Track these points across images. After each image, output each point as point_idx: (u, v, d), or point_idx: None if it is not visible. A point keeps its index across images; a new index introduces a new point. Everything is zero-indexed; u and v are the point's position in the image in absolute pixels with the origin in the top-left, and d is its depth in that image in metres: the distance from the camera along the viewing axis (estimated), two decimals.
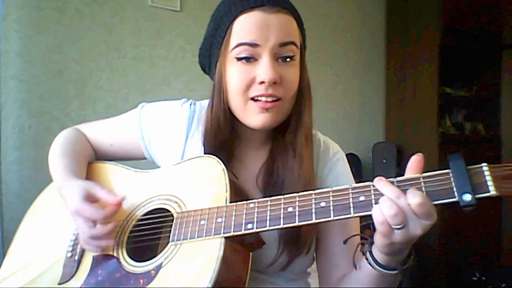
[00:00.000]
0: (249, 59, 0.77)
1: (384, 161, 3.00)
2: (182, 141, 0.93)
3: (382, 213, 0.61)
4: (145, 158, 0.99)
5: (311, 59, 3.06)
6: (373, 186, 0.64)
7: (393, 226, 0.61)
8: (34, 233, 0.96)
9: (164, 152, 0.95)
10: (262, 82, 0.77)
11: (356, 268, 0.76)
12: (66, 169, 0.90)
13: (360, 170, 3.05)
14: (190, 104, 0.96)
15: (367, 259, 0.71)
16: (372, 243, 0.70)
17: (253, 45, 0.76)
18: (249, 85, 0.78)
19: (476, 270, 2.98)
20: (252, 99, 0.79)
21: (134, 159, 1.02)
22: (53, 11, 2.00)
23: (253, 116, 0.80)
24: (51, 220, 0.95)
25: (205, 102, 0.95)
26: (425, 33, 2.99)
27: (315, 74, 2.98)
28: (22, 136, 1.91)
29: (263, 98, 0.78)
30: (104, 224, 0.78)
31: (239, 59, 0.77)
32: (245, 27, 0.76)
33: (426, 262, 2.86)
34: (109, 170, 0.97)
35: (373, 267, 0.70)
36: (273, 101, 0.78)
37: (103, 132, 1.03)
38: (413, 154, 0.65)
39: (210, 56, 0.84)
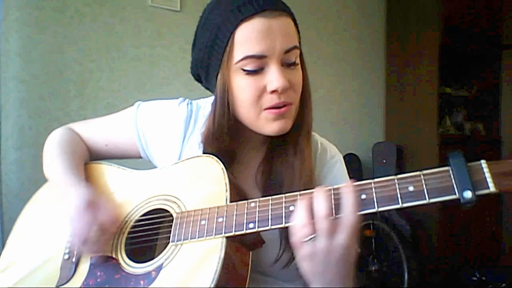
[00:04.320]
0: (257, 70, 0.75)
1: (384, 161, 3.00)
2: (179, 142, 0.92)
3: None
4: (141, 157, 0.99)
5: (311, 59, 3.05)
6: (373, 183, 0.64)
7: (302, 239, 0.63)
8: (31, 227, 0.95)
9: (161, 152, 0.94)
10: (274, 91, 0.75)
11: None
12: (68, 171, 0.88)
13: (360, 170, 3.05)
14: (187, 104, 0.95)
15: None
16: None
17: (260, 57, 0.74)
18: (260, 95, 0.76)
19: (476, 270, 2.98)
20: (265, 109, 0.77)
21: (130, 158, 1.00)
22: (53, 11, 2.00)
23: (268, 125, 0.78)
24: (49, 215, 0.94)
25: (202, 102, 0.95)
26: (425, 33, 2.99)
27: (315, 74, 2.99)
28: (22, 136, 1.91)
29: (277, 106, 0.77)
30: (96, 241, 0.77)
31: (247, 71, 0.75)
32: (250, 37, 0.73)
33: (426, 262, 2.86)
34: (106, 171, 0.96)
35: None
36: (286, 106, 0.77)
37: (98, 131, 1.01)
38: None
39: (208, 67, 0.81)
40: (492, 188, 0.57)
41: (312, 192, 0.67)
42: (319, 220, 0.62)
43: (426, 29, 2.98)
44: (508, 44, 3.28)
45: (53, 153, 0.94)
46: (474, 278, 2.96)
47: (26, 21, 1.93)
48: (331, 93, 3.06)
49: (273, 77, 0.74)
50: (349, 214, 0.62)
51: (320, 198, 0.64)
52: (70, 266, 0.82)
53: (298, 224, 0.63)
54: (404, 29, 3.17)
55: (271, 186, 0.82)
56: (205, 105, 0.94)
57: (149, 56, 2.27)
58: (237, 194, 0.76)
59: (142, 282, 0.72)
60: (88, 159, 1.00)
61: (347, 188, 0.64)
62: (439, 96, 2.96)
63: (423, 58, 3.01)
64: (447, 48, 2.93)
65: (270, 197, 0.70)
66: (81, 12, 2.08)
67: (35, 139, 1.92)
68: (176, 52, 2.33)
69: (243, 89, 0.76)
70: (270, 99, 0.76)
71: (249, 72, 0.75)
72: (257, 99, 0.76)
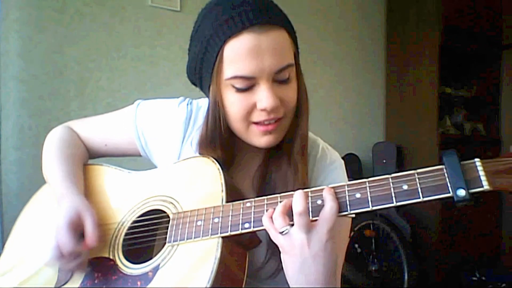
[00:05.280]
0: (247, 88, 0.74)
1: (384, 161, 3.00)
2: (179, 142, 0.92)
3: (269, 216, 0.67)
4: (141, 155, 0.98)
5: (311, 59, 3.05)
6: (368, 183, 0.65)
7: (278, 230, 0.65)
8: (29, 230, 0.96)
9: (161, 152, 0.94)
10: (263, 109, 0.75)
11: None
12: (66, 178, 0.88)
13: (360, 170, 3.05)
14: (187, 104, 0.94)
15: None
16: None
17: (250, 78, 0.73)
18: (250, 111, 0.76)
19: (476, 270, 2.98)
20: (254, 123, 0.77)
21: (129, 156, 1.00)
22: (53, 11, 2.00)
23: (257, 138, 0.79)
24: (47, 217, 0.94)
25: (202, 101, 0.94)
26: (425, 33, 2.99)
27: (315, 74, 2.99)
28: (22, 136, 1.91)
29: (266, 122, 0.76)
30: (71, 259, 0.77)
31: (236, 89, 0.74)
32: (238, 56, 0.71)
33: (426, 262, 2.86)
34: (103, 172, 0.96)
35: None
36: (275, 121, 0.77)
37: (97, 131, 1.01)
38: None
39: (201, 78, 0.80)
40: (486, 186, 0.57)
41: (307, 192, 0.67)
42: (295, 215, 0.65)
43: (426, 29, 2.98)
44: (508, 44, 3.28)
45: (51, 155, 0.94)
46: (474, 278, 2.96)
47: (26, 21, 1.93)
48: (331, 93, 3.06)
49: (263, 96, 0.73)
50: (329, 209, 0.64)
51: (297, 197, 0.66)
52: None
53: (274, 215, 0.66)
54: (404, 29, 3.17)
55: (266, 191, 0.82)
56: (205, 105, 0.93)
57: (149, 56, 2.28)
58: (234, 194, 0.76)
59: (139, 283, 0.72)
60: (87, 159, 1.00)
61: (326, 189, 0.66)
62: (439, 96, 2.95)
63: (423, 58, 3.01)
64: (447, 48, 2.93)
65: (265, 197, 0.70)
66: (81, 12, 2.08)
67: (35, 139, 1.93)
68: (176, 52, 2.33)
69: (233, 104, 0.76)
70: (259, 115, 0.76)
71: (239, 90, 0.74)
72: (247, 114, 0.76)
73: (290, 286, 0.68)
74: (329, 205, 0.64)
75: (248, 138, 0.80)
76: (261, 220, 0.68)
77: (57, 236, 0.77)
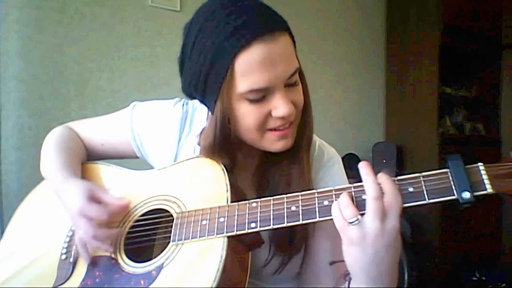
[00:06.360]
0: (261, 98, 0.73)
1: (384, 161, 3.00)
2: (175, 143, 0.92)
3: (338, 206, 0.64)
4: (138, 157, 0.98)
5: (311, 59, 3.04)
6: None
7: (347, 220, 0.62)
8: (29, 221, 0.95)
9: (157, 153, 0.94)
10: (281, 117, 0.74)
11: None
12: (64, 167, 0.88)
13: None
14: (183, 105, 0.94)
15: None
16: None
17: (265, 89, 0.71)
18: (266, 120, 0.75)
19: (476, 270, 2.98)
20: (269, 129, 0.76)
21: (126, 158, 1.00)
22: (53, 11, 2.00)
23: (272, 144, 0.78)
24: (48, 210, 0.94)
25: (198, 102, 0.93)
26: (425, 33, 2.99)
27: (315, 74, 2.98)
28: (22, 136, 1.91)
29: (282, 127, 0.76)
30: (109, 227, 0.78)
31: (251, 100, 0.72)
32: (251, 69, 0.69)
33: (426, 262, 2.86)
34: (103, 171, 0.96)
35: None
36: (289, 125, 0.77)
37: (95, 131, 1.01)
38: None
39: (204, 93, 0.76)
40: (489, 189, 0.60)
41: (314, 193, 0.67)
42: (371, 200, 0.61)
43: (426, 29, 2.98)
44: (508, 44, 3.28)
45: (50, 150, 0.94)
46: (474, 278, 2.96)
47: (26, 21, 1.93)
48: (331, 93, 3.06)
49: (279, 104, 0.73)
50: (395, 196, 0.62)
51: (368, 182, 0.63)
52: (67, 266, 0.82)
53: (341, 205, 0.63)
54: (404, 29, 3.17)
55: (264, 190, 0.82)
56: (201, 106, 0.93)
57: (149, 56, 2.27)
58: (237, 195, 0.76)
59: (142, 281, 0.72)
60: (85, 158, 1.00)
61: (384, 175, 0.64)
62: (439, 96, 2.95)
63: (423, 58, 3.01)
64: (447, 48, 2.93)
65: (271, 197, 0.70)
66: (81, 12, 2.07)
67: (35, 139, 1.92)
68: (176, 52, 2.28)
69: (247, 115, 0.74)
70: (274, 122, 0.75)
71: (253, 101, 0.72)
72: (262, 123, 0.75)
73: (355, 277, 0.65)
74: (395, 193, 0.62)
75: (262, 144, 0.79)
76: (267, 220, 0.68)
77: (78, 224, 0.77)
